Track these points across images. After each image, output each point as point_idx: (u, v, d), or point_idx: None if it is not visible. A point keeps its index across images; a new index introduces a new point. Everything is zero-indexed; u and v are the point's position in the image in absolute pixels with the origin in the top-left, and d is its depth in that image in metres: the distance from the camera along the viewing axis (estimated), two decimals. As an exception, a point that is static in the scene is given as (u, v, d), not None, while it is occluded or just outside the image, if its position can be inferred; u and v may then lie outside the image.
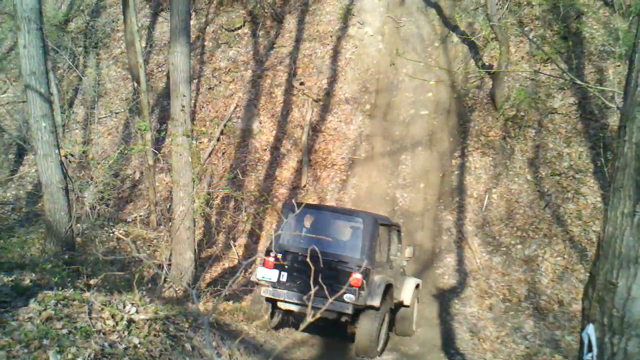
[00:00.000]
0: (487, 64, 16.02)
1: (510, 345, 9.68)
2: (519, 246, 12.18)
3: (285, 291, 8.40)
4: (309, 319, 3.22)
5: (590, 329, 3.54)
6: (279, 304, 8.65)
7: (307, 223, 9.02)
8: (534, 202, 12.77)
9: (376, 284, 8.27)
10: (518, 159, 13.68)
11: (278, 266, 8.42)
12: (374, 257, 8.43)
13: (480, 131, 14.66)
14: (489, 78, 15.53)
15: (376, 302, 8.09)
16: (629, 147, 3.47)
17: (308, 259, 6.68)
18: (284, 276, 8.37)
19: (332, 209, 9.96)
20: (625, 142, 3.49)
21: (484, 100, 15.28)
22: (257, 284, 8.78)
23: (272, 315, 8.94)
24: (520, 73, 14.95)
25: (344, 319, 8.34)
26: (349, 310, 8.09)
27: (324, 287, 7.13)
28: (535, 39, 15.40)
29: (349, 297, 7.99)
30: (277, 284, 8.44)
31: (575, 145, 13.25)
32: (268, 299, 8.72)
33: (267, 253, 8.56)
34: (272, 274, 8.41)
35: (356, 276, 7.96)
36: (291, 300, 8.45)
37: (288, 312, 8.97)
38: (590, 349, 3.53)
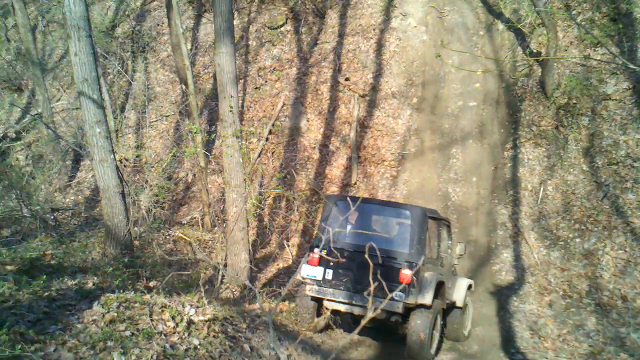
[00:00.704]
0: (534, 51, 15.63)
1: (572, 343, 9.41)
2: (577, 240, 11.83)
3: (331, 289, 8.09)
4: (368, 317, 3.07)
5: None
6: (325, 303, 8.33)
7: (353, 218, 8.61)
8: (592, 193, 12.39)
9: (427, 280, 7.87)
10: (572, 149, 13.30)
11: (323, 263, 8.12)
12: (424, 252, 8.00)
13: (531, 121, 14.31)
14: (537, 66, 15.14)
15: (428, 300, 7.70)
16: None
17: (366, 255, 6.32)
18: (329, 274, 8.07)
19: (378, 202, 9.69)
20: None
21: (534, 89, 14.91)
22: (302, 282, 8.51)
23: (318, 315, 8.57)
24: (570, 59, 14.52)
25: (394, 318, 7.99)
26: (399, 309, 7.70)
27: (382, 283, 7.01)
28: (583, 23, 14.90)
29: (398, 294, 7.62)
30: (323, 282, 8.14)
31: (632, 132, 12.78)
32: (313, 298, 8.42)
33: (311, 249, 8.27)
34: (317, 272, 8.11)
35: (406, 272, 7.58)
36: (338, 299, 8.11)
37: (335, 312, 8.46)
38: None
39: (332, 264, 8.05)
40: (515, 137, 14.29)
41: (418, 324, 7.72)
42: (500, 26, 16.78)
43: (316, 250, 8.21)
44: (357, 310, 8.03)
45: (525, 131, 14.25)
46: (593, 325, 9.98)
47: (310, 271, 8.18)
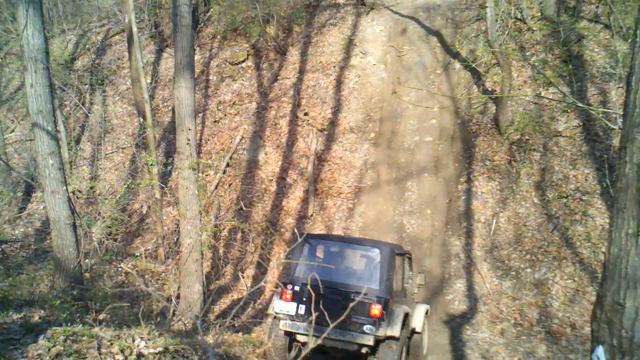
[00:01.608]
0: (489, 89, 16.13)
1: (523, 370, 9.57)
2: (528, 270, 12.11)
3: (304, 324, 8.30)
4: (311, 345, 3.20)
5: (600, 351, 3.52)
6: (298, 337, 8.55)
7: (323, 254, 8.98)
8: (542, 225, 12.73)
9: (395, 314, 8.26)
10: (524, 183, 13.67)
11: (296, 299, 8.34)
12: (392, 288, 8.42)
13: (485, 156, 14.69)
14: (492, 103, 15.63)
15: (396, 333, 8.06)
16: (630, 168, 3.49)
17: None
18: (302, 309, 8.29)
19: (348, 239, 9.94)
20: (627, 163, 3.52)
21: (488, 125, 15.35)
22: (275, 317, 8.68)
23: (289, 349, 8.80)
24: (523, 97, 15.04)
25: (364, 350, 8.25)
26: (370, 342, 8.01)
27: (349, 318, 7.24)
28: (536, 64, 15.54)
29: (369, 328, 7.96)
30: (296, 317, 8.34)
31: (581, 167, 13.25)
32: (287, 332, 8.61)
33: (285, 285, 8.48)
34: (290, 307, 8.32)
35: (376, 307, 7.95)
36: (311, 333, 8.33)
37: (306, 345, 8.85)
38: (600, 371, 3.50)
39: (304, 299, 8.27)
40: (470, 171, 14.63)
41: (387, 355, 8.12)
42: (457, 65, 17.29)
43: (289, 286, 8.42)
44: (328, 343, 8.25)
45: (479, 165, 14.60)
46: (543, 352, 10.17)
47: (283, 307, 8.37)
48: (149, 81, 17.28)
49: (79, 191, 15.46)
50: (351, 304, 3.09)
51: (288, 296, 8.40)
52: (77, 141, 18.65)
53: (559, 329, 10.67)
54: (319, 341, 3.79)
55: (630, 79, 3.58)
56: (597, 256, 11.59)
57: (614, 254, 3.53)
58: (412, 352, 9.55)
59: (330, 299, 7.92)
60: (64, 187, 8.55)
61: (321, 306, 8.21)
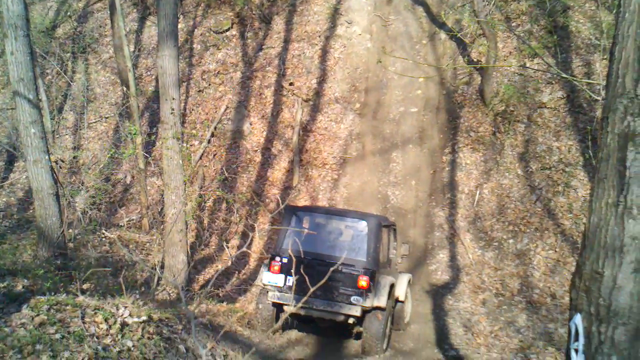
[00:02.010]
0: (475, 60, 16.10)
1: (503, 339, 9.73)
2: (510, 241, 12.24)
3: (292, 295, 8.43)
4: (288, 312, 3.25)
5: (578, 319, 3.58)
6: (285, 308, 8.68)
7: (310, 226, 9.06)
8: (525, 197, 12.85)
9: (382, 285, 8.44)
10: (508, 154, 13.75)
11: (284, 271, 8.46)
12: (379, 259, 8.58)
13: (470, 127, 14.72)
14: (477, 74, 15.61)
15: (383, 303, 8.27)
16: (611, 138, 3.51)
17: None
18: (290, 280, 8.40)
19: (335, 211, 10.01)
20: (608, 134, 3.54)
21: (473, 97, 15.35)
22: (263, 288, 8.83)
23: (277, 319, 8.95)
24: (508, 68, 15.04)
25: (351, 320, 8.44)
26: (357, 313, 8.22)
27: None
28: (522, 34, 15.50)
29: (356, 299, 8.15)
30: (284, 289, 8.48)
31: (565, 138, 13.33)
32: (274, 304, 8.77)
33: (273, 258, 8.60)
34: (278, 279, 8.47)
35: (363, 279, 8.13)
36: (298, 306, 8.52)
37: (293, 316, 8.94)
38: (577, 339, 3.57)
39: (292, 271, 8.35)
40: (454, 142, 14.67)
41: (374, 325, 8.32)
42: (443, 36, 17.22)
43: (277, 258, 8.57)
44: (316, 314, 8.47)
45: (463, 137, 14.64)
46: (524, 321, 10.34)
47: (271, 278, 8.52)
48: (132, 49, 17.01)
49: (62, 161, 15.31)
50: (331, 269, 3.15)
51: (276, 268, 8.53)
52: (60, 110, 18.40)
53: (539, 298, 10.84)
54: (300, 305, 3.83)
55: (613, 49, 3.59)
56: (578, 227, 11.74)
57: (593, 223, 3.57)
58: (394, 320, 9.73)
59: (317, 271, 8.02)
60: (47, 157, 8.48)
61: (308, 277, 8.32)
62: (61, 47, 19.76)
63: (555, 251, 11.62)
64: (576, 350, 3.58)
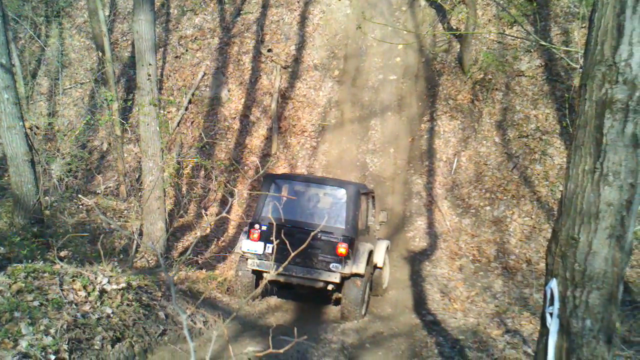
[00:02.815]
0: (454, 27, 16.04)
1: (480, 304, 9.90)
2: (487, 208, 12.39)
3: (270, 263, 8.46)
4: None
5: (553, 283, 3.65)
6: (265, 275, 8.73)
7: (289, 194, 9.05)
8: (502, 164, 12.97)
9: (360, 252, 8.52)
10: (486, 122, 13.82)
11: (263, 238, 8.49)
12: (357, 227, 8.63)
13: (448, 95, 14.75)
14: (456, 42, 15.58)
15: (361, 270, 8.34)
16: (589, 106, 3.53)
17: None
18: (269, 248, 8.44)
19: (315, 179, 10.03)
20: (586, 101, 3.56)
21: (452, 64, 15.35)
22: (242, 256, 8.84)
23: (256, 286, 8.99)
24: (487, 36, 15.03)
25: (330, 287, 8.51)
26: (336, 279, 8.28)
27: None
28: (501, 2, 15.47)
29: (335, 266, 8.21)
30: (263, 256, 8.52)
31: (542, 107, 13.43)
32: (254, 271, 8.80)
33: (252, 225, 8.61)
34: (258, 246, 8.48)
35: (342, 246, 8.19)
36: (277, 271, 8.55)
37: (273, 283, 9.06)
38: (552, 303, 3.64)
39: (271, 238, 8.43)
40: (433, 110, 14.70)
41: (353, 291, 8.41)
42: (423, 2, 17.12)
43: (256, 226, 8.57)
44: (295, 281, 8.53)
45: (442, 104, 14.67)
46: (500, 287, 10.52)
47: (251, 246, 8.53)
48: (107, 14, 16.63)
49: (37, 127, 15.04)
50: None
51: (255, 235, 8.54)
52: (34, 75, 18.02)
53: (515, 264, 11.03)
54: (279, 271, 3.85)
55: (592, 17, 3.59)
56: (554, 195, 11.91)
57: (570, 190, 3.62)
58: (373, 287, 9.85)
59: (296, 238, 8.07)
60: (21, 123, 8.34)
61: (288, 245, 8.36)
62: (34, 11, 19.24)
63: (532, 218, 11.79)
64: (551, 314, 3.66)
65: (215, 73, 16.69)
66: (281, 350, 2.66)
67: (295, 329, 6.98)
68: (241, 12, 17.98)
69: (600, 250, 3.47)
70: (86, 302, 5.54)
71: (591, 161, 3.49)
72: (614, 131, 3.41)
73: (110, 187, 13.83)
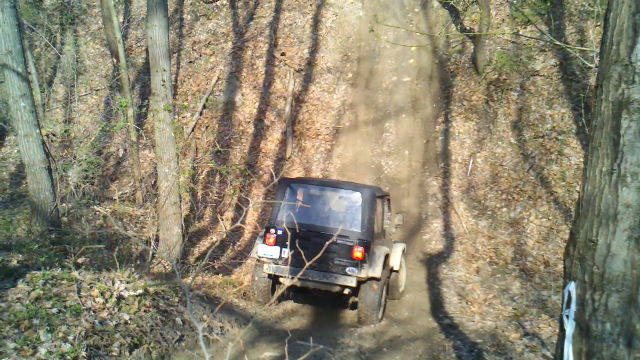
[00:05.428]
0: (467, 28, 15.97)
1: (497, 306, 9.82)
2: (504, 209, 12.30)
3: (287, 267, 8.47)
4: (284, 286, 3.30)
5: (572, 286, 3.61)
6: (281, 280, 8.75)
7: (304, 198, 9.06)
8: (518, 165, 12.87)
9: (377, 255, 8.49)
10: (501, 123, 13.73)
11: (279, 242, 8.49)
12: (373, 230, 8.61)
13: (463, 96, 14.67)
14: (470, 42, 15.50)
15: (378, 274, 8.31)
16: (605, 106, 3.50)
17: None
18: (285, 252, 8.45)
19: (330, 183, 10.03)
20: (602, 101, 3.52)
21: (466, 65, 15.28)
22: (258, 261, 8.85)
23: (272, 291, 9.02)
24: (501, 36, 14.93)
25: (346, 291, 8.51)
26: (353, 283, 8.27)
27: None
28: (515, 2, 15.36)
29: (351, 270, 8.21)
30: (279, 260, 8.52)
31: (558, 106, 13.32)
32: (270, 276, 8.81)
33: (268, 230, 8.60)
34: (274, 251, 8.49)
35: (359, 250, 8.18)
36: (294, 280, 8.56)
37: (289, 287, 9.04)
38: (569, 305, 3.60)
39: (287, 243, 8.43)
40: (447, 111, 14.63)
41: (369, 295, 8.37)
42: (436, 3, 17.06)
43: (272, 231, 8.57)
44: (311, 285, 8.54)
45: (456, 106, 14.60)
46: (517, 289, 10.42)
47: (267, 251, 8.54)
48: (121, 20, 16.78)
49: (53, 134, 15.17)
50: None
51: (271, 240, 8.53)
52: (50, 83, 18.19)
53: (532, 266, 10.93)
54: (297, 278, 3.83)
55: (607, 16, 3.55)
56: (571, 195, 11.80)
57: (588, 191, 3.58)
58: (389, 290, 9.83)
59: (312, 242, 8.05)
60: (37, 130, 8.41)
61: (303, 249, 8.36)
62: (49, 19, 19.44)
63: (548, 219, 11.69)
64: (567, 317, 3.62)
65: (229, 78, 16.74)
66: (300, 359, 2.65)
67: (312, 333, 6.99)
68: (254, 16, 18.03)
69: (619, 252, 3.42)
70: (104, 308, 5.57)
71: (608, 162, 3.45)
72: (631, 132, 3.37)
73: (126, 193, 13.91)
